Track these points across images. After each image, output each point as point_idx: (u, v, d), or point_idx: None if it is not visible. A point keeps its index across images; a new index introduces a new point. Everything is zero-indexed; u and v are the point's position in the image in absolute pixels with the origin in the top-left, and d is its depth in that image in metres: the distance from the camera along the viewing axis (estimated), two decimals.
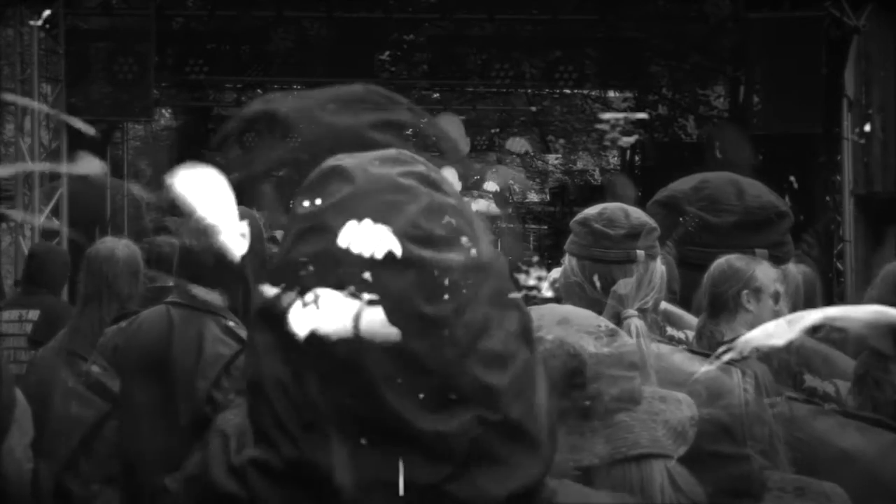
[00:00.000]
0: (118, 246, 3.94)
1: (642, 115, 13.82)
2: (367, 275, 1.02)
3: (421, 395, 0.99)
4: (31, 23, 9.11)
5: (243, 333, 2.81)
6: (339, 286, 1.02)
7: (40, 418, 3.11)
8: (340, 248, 1.03)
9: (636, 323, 2.13)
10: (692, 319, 2.93)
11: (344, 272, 1.03)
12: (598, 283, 2.33)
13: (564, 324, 1.62)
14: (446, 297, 1.01)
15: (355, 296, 1.01)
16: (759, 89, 9.67)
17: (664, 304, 2.63)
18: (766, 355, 2.11)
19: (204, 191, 1.10)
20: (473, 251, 1.05)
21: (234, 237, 1.04)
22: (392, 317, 1.00)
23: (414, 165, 1.11)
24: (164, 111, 15.78)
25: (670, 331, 2.82)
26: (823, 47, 9.08)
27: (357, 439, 0.98)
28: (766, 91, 9.51)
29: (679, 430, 1.59)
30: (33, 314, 4.95)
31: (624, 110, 14.87)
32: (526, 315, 1.08)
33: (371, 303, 1.00)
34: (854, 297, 8.06)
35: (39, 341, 4.45)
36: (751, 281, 2.70)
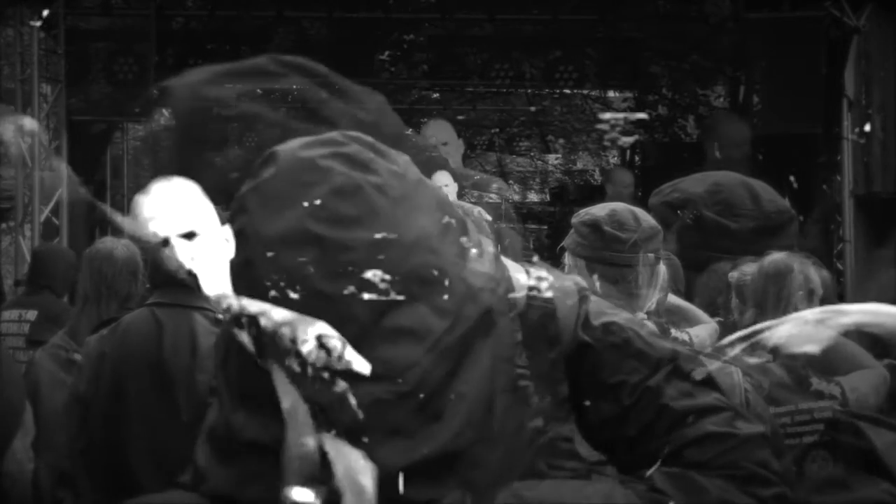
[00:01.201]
0: (117, 246, 3.94)
1: (642, 115, 13.81)
2: (269, 252, 1.05)
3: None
4: (31, 23, 9.10)
5: None
6: (247, 264, 1.07)
7: (39, 417, 3.11)
8: (251, 227, 1.08)
9: (648, 326, 2.13)
10: (698, 313, 2.93)
11: (251, 250, 1.07)
12: (597, 284, 2.33)
13: None
14: (346, 275, 1.04)
15: (261, 273, 1.05)
16: (759, 89, 9.67)
17: (672, 298, 2.63)
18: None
19: (180, 201, 1.14)
20: (387, 230, 1.06)
21: (220, 244, 1.09)
22: (291, 292, 1.03)
23: (344, 146, 1.14)
24: (163, 111, 15.75)
25: (673, 332, 2.83)
26: (823, 47, 9.07)
27: (257, 407, 1.03)
28: (766, 91, 9.50)
29: None
30: (31, 314, 4.96)
31: (624, 110, 14.86)
32: (466, 287, 1.09)
33: (273, 280, 1.05)
34: (854, 296, 8.05)
35: (37, 341, 4.46)
36: (807, 282, 2.69)
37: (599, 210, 2.43)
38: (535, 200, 18.68)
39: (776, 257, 2.77)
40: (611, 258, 2.34)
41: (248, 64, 1.32)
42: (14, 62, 9.48)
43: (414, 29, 12.74)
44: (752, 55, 9.66)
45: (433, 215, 1.11)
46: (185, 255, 1.07)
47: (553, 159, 21.58)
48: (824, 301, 3.26)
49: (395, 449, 1.00)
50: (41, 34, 9.31)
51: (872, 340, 2.67)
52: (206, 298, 1.11)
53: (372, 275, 1.04)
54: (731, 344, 1.43)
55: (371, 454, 0.99)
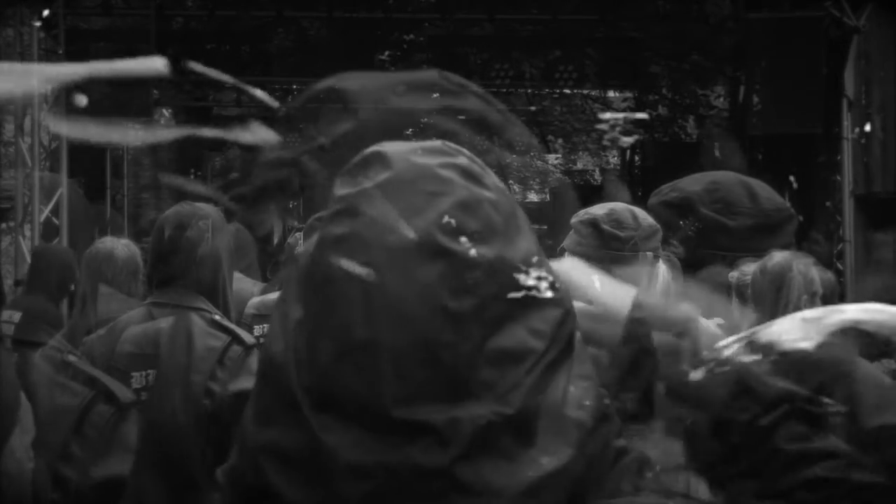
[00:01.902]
0: (117, 246, 3.94)
1: (642, 116, 13.80)
2: (391, 261, 1.00)
3: (428, 384, 0.97)
4: (32, 23, 9.10)
5: (230, 325, 2.83)
6: (363, 269, 1.02)
7: (36, 418, 3.11)
8: (368, 231, 1.02)
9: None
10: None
11: (371, 255, 1.01)
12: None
13: None
14: (470, 292, 1.00)
15: (378, 281, 0.99)
16: (759, 89, 9.66)
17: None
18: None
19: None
20: (502, 248, 1.04)
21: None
22: (413, 305, 0.99)
23: (456, 157, 1.10)
24: (164, 111, 15.76)
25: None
26: (823, 47, 9.07)
27: (363, 422, 0.97)
28: (766, 91, 9.49)
29: None
30: (16, 316, 4.97)
31: (624, 110, 14.85)
32: (557, 311, 1.06)
33: (394, 290, 0.99)
34: (854, 296, 8.05)
35: (21, 341, 4.46)
36: (809, 283, 2.68)
37: (598, 209, 2.43)
38: (535, 200, 18.68)
39: (779, 258, 2.76)
40: (609, 257, 2.34)
41: (421, 77, 1.28)
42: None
43: (414, 29, 12.73)
44: (752, 55, 9.65)
45: (531, 235, 1.09)
46: None
47: (553, 159, 21.57)
48: (827, 303, 3.25)
49: (501, 473, 0.98)
50: (41, 34, 9.30)
51: (868, 340, 2.66)
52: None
53: (489, 294, 1.02)
54: (730, 345, 1.43)
55: (480, 478, 0.97)
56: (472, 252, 1.03)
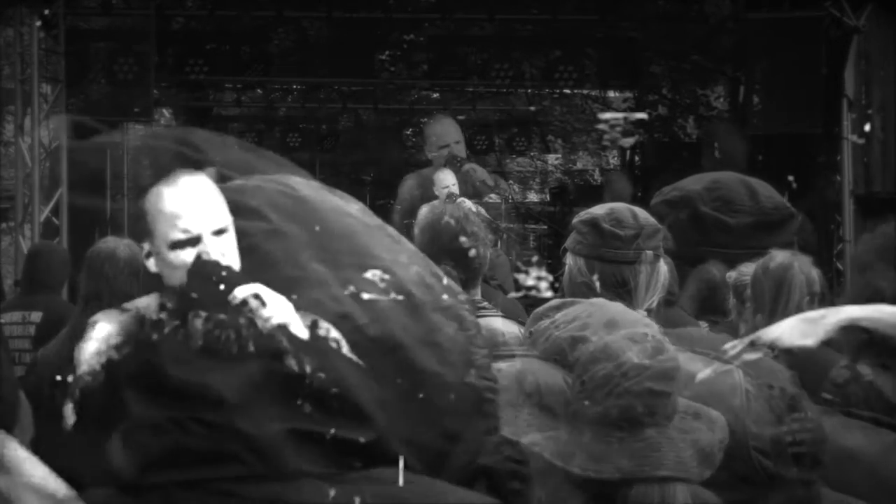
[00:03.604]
0: (119, 246, 3.94)
1: (642, 116, 13.80)
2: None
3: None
4: (32, 23, 9.10)
5: None
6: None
7: (42, 417, 3.11)
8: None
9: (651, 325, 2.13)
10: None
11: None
12: (597, 283, 2.33)
13: (612, 327, 1.60)
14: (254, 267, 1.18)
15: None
16: (759, 89, 9.66)
17: None
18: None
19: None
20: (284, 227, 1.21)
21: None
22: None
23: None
24: (164, 111, 15.77)
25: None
26: (823, 47, 9.07)
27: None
28: (766, 91, 9.50)
29: (707, 453, 1.56)
30: (36, 315, 4.95)
31: (624, 110, 14.85)
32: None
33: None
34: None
35: (44, 342, 4.45)
36: (810, 283, 2.69)
37: (599, 209, 2.44)
38: (535, 200, 18.68)
39: (779, 259, 2.76)
40: (609, 255, 2.34)
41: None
42: (14, 62, 9.47)
43: (414, 29, 12.73)
44: (752, 55, 9.65)
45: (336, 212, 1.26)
46: (217, 252, 1.09)
47: (553, 159, 21.58)
48: (823, 301, 3.26)
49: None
50: (41, 34, 9.30)
51: (867, 339, 2.65)
52: None
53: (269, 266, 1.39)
54: (734, 346, 1.43)
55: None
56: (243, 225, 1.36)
